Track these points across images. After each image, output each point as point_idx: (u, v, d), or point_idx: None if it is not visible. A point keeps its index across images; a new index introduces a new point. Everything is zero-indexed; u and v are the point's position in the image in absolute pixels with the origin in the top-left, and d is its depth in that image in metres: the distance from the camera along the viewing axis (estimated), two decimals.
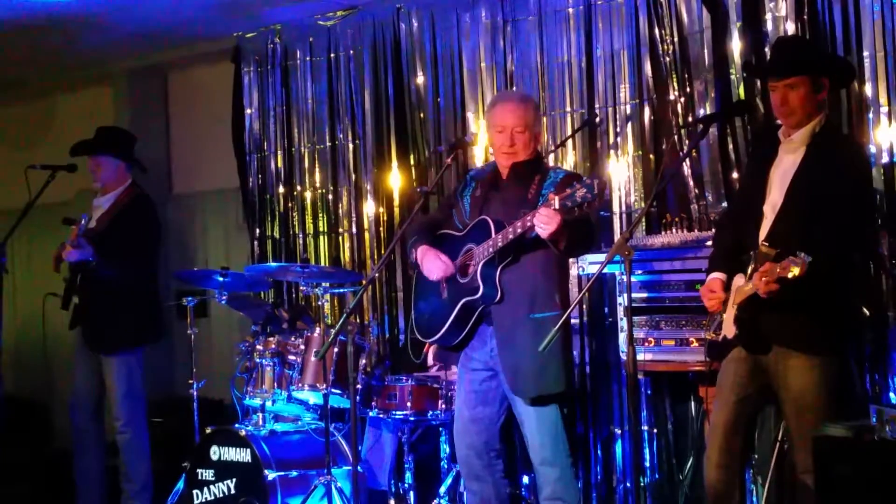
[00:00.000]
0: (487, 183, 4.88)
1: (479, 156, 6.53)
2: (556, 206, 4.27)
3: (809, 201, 4.15)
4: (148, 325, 6.52)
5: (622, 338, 5.38)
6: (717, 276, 4.40)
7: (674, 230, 5.36)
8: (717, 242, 4.61)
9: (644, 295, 5.27)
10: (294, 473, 5.65)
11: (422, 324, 4.99)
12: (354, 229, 7.20)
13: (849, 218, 4.15)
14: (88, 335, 6.35)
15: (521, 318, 4.62)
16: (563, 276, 4.82)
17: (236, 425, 5.93)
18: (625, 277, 4.20)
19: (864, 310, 5.12)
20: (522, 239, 4.51)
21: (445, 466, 6.00)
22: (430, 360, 6.01)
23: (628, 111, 6.04)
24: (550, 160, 6.00)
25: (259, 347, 5.92)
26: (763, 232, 4.25)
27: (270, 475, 5.55)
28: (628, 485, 5.96)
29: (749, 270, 4.18)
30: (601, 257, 5.30)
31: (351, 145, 7.19)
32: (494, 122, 4.81)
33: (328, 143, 7.30)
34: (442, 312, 4.83)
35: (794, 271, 3.80)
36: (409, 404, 5.70)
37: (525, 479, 6.17)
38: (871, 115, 5.20)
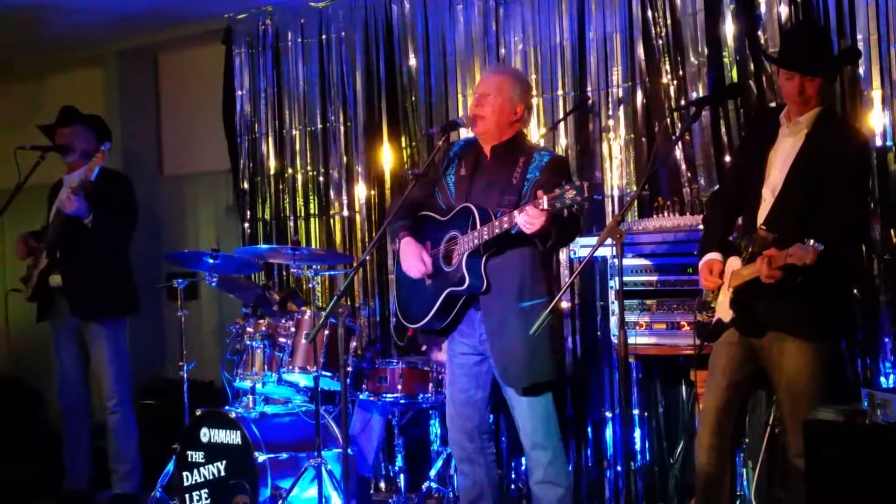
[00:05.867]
0: (472, 162, 4.84)
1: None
2: (545, 206, 4.23)
3: (810, 185, 4.14)
4: (128, 295, 6.56)
5: (613, 321, 5.38)
6: (716, 256, 4.38)
7: (666, 214, 5.34)
8: (708, 223, 4.60)
9: (635, 278, 5.26)
10: (284, 456, 5.64)
11: (406, 309, 4.96)
12: (346, 212, 7.18)
13: (850, 203, 4.14)
14: (76, 304, 6.34)
15: (510, 308, 4.60)
16: (550, 262, 4.81)
17: (226, 407, 5.92)
18: (616, 261, 4.19)
19: (856, 294, 5.14)
20: (508, 232, 4.49)
21: (436, 449, 6.01)
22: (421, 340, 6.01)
23: (621, 94, 6.02)
24: (542, 143, 5.98)
25: (249, 329, 5.91)
26: (761, 215, 4.24)
27: (260, 457, 5.54)
28: (619, 468, 5.96)
29: (746, 254, 4.17)
30: (593, 240, 5.28)
31: (342, 127, 7.17)
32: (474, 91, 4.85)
33: (319, 126, 7.27)
34: (426, 299, 4.79)
35: (805, 259, 3.80)
36: (399, 387, 5.69)
37: (512, 464, 6.19)
38: (864, 99, 5.20)
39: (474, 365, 4.82)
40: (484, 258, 4.59)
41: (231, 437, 5.69)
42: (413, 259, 4.77)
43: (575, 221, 4.57)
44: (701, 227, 4.76)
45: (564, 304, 5.98)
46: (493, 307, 4.65)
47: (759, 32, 5.50)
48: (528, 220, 4.29)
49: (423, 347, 6.01)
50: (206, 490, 5.76)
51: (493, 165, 4.76)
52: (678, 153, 5.75)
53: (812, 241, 3.79)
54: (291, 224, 7.42)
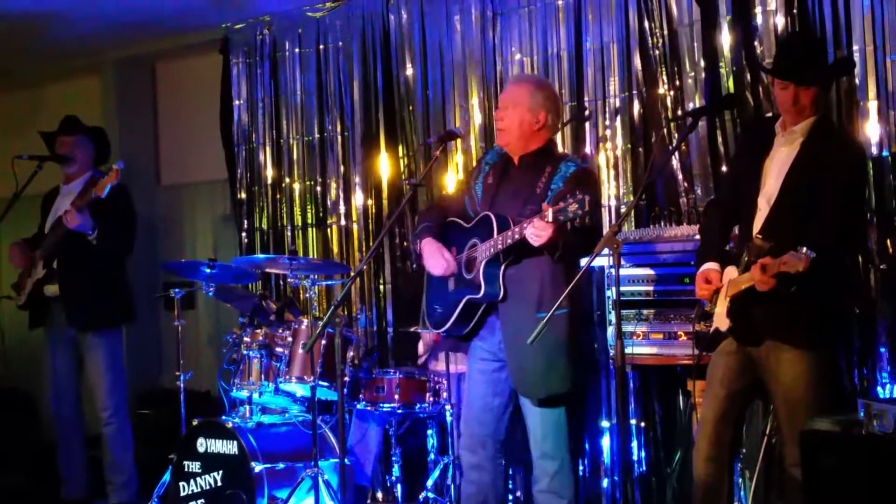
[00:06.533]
0: (500, 170, 4.85)
1: (464, 148, 6.55)
2: (550, 219, 4.25)
3: (806, 193, 4.15)
4: (125, 305, 6.54)
5: (610, 331, 5.37)
6: (713, 266, 4.39)
7: (663, 224, 5.36)
8: (704, 233, 4.60)
9: (633, 288, 5.26)
10: (281, 466, 5.64)
11: (431, 314, 5.01)
12: (343, 221, 7.18)
13: (845, 211, 4.15)
14: (73, 315, 6.32)
15: (528, 318, 4.54)
16: (572, 273, 4.78)
17: (223, 417, 5.91)
18: (613, 271, 4.18)
19: (853, 304, 5.14)
20: (523, 242, 4.49)
21: (433, 459, 6.00)
22: (420, 350, 6.01)
23: (618, 104, 6.03)
24: None
25: (246, 339, 5.90)
26: (757, 224, 4.25)
27: (257, 467, 5.53)
28: (616, 478, 5.95)
29: (743, 263, 4.17)
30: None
31: (340, 137, 7.18)
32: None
33: (317, 135, 7.28)
34: (448, 305, 4.83)
35: (798, 266, 3.81)
36: (396, 397, 5.69)
37: (510, 472, 6.18)
38: (860, 109, 5.21)
39: (493, 371, 4.81)
40: (503, 266, 4.61)
41: (228, 447, 5.69)
42: (434, 258, 4.80)
43: (583, 234, 4.54)
44: (698, 237, 4.77)
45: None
46: (510, 316, 4.65)
47: (756, 43, 5.51)
48: (535, 231, 4.32)
49: (423, 358, 6.01)
50: (202, 500, 5.75)
51: (519, 175, 4.77)
52: (675, 163, 5.76)
53: (805, 249, 3.81)
54: (289, 234, 7.43)
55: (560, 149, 5.36)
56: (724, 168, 5.56)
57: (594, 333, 6.00)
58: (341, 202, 7.18)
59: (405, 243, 6.89)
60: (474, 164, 6.47)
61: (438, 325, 4.94)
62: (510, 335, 4.64)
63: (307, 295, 5.94)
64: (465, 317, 4.77)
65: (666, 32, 5.84)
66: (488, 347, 4.81)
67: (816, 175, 4.14)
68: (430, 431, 6.05)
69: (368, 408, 5.79)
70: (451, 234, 4.89)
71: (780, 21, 5.43)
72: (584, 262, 4.58)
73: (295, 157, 7.40)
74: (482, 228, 4.68)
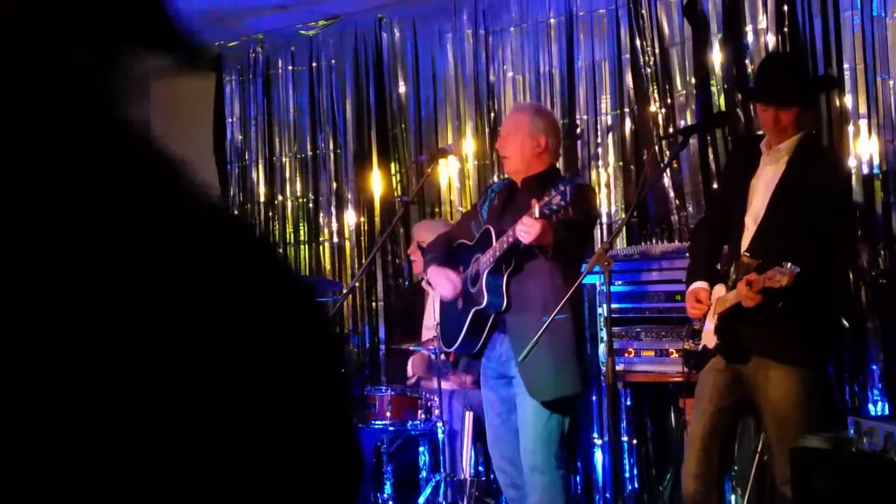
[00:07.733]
0: (505, 195, 4.91)
1: (454, 165, 6.58)
2: (536, 214, 4.29)
3: (792, 211, 4.15)
4: None
5: (602, 348, 5.37)
6: (703, 284, 4.39)
7: (654, 241, 5.36)
8: (693, 252, 4.61)
9: (624, 305, 5.27)
10: None
11: (443, 333, 5.08)
12: (335, 239, 7.19)
13: (831, 228, 4.16)
14: None
15: (534, 323, 4.51)
16: (574, 278, 4.79)
17: None
18: (605, 288, 4.19)
19: (844, 321, 5.14)
20: (522, 247, 4.51)
21: (424, 477, 5.98)
22: (409, 372, 6.01)
23: (609, 122, 6.05)
24: None
25: None
26: (745, 242, 4.25)
27: None
28: (608, 496, 5.94)
29: (731, 281, 4.18)
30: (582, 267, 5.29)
31: (332, 154, 7.19)
32: None
33: (309, 153, 7.30)
34: (457, 322, 4.87)
35: (782, 281, 3.82)
36: (388, 414, 5.67)
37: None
38: (850, 127, 5.22)
39: (502, 388, 4.83)
40: (505, 276, 4.64)
41: None
42: (440, 282, 4.86)
43: (573, 228, 4.57)
44: (688, 254, 4.77)
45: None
46: (516, 323, 4.67)
47: (747, 61, 5.53)
48: (524, 229, 4.35)
49: (413, 379, 6.00)
50: None
51: (522, 197, 4.80)
52: (666, 180, 5.77)
53: (789, 264, 3.81)
54: (281, 251, 7.42)
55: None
56: (715, 185, 5.57)
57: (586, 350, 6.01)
58: (333, 219, 7.19)
59: (397, 261, 6.90)
60: (466, 181, 6.53)
61: (450, 344, 5.01)
62: (519, 343, 4.64)
63: None
64: (474, 332, 4.81)
65: (657, 50, 5.86)
66: (493, 366, 4.84)
67: (802, 192, 4.15)
68: (421, 449, 6.03)
69: (360, 425, 5.78)
70: (460, 255, 4.96)
71: (770, 39, 5.44)
72: (581, 269, 4.60)
73: (287, 174, 7.41)
74: (484, 243, 4.75)
